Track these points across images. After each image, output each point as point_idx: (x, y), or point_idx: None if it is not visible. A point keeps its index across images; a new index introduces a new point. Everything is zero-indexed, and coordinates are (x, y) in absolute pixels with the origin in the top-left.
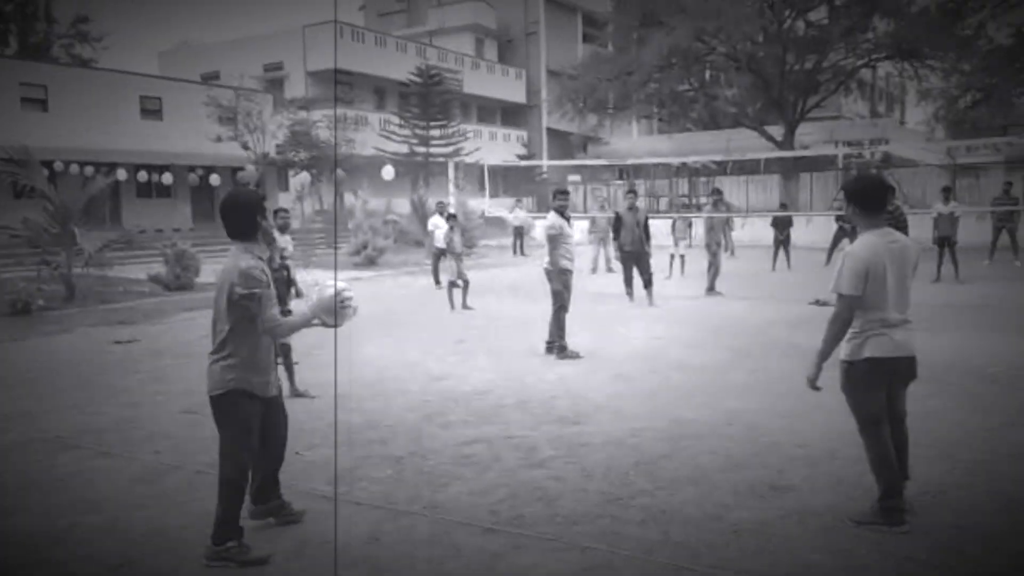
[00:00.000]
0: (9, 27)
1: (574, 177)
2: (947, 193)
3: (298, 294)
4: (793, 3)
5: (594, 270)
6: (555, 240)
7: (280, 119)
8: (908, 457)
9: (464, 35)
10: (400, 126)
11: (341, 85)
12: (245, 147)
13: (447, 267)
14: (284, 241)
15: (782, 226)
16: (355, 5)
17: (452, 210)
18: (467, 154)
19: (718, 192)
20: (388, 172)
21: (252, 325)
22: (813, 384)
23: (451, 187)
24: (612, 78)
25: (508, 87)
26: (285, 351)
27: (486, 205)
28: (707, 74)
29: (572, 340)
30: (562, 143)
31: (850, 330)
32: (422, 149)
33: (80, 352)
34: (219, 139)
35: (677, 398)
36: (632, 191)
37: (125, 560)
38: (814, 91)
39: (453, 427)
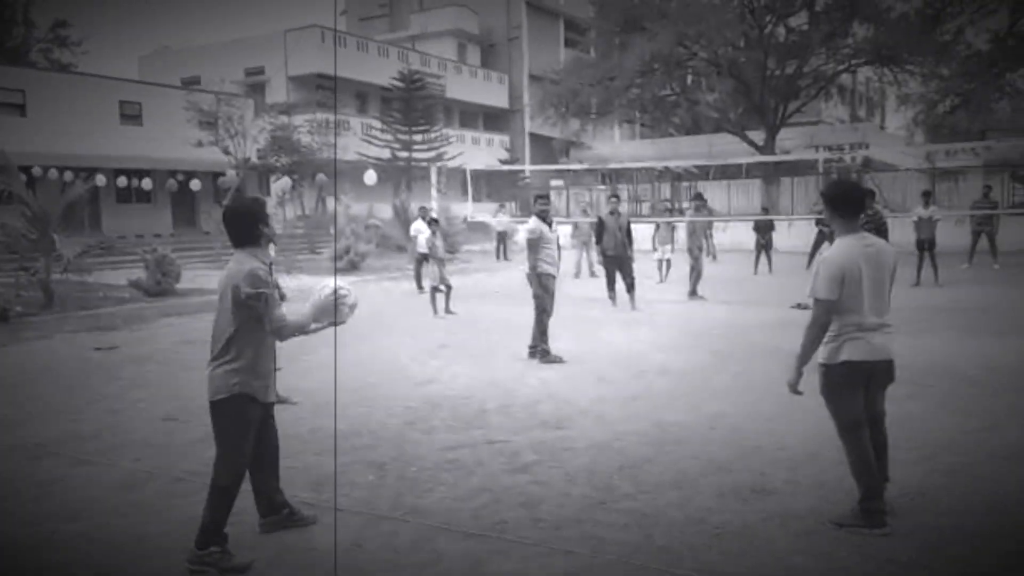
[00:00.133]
0: None
1: (557, 182)
2: (927, 197)
3: (282, 298)
4: (774, 9)
5: (577, 274)
6: (535, 244)
7: (261, 124)
8: (888, 459)
9: (446, 40)
10: (382, 131)
11: (324, 90)
12: (226, 152)
13: (430, 272)
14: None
15: (764, 230)
16: (336, 10)
17: (434, 215)
18: (450, 159)
19: (700, 197)
20: (370, 177)
21: (258, 327)
22: (794, 389)
23: (433, 192)
24: (594, 83)
25: (490, 92)
26: None
27: (469, 210)
28: (689, 79)
29: (555, 344)
30: (545, 148)
31: (828, 333)
32: (404, 154)
33: (60, 359)
34: (200, 144)
35: (660, 402)
36: (615, 196)
37: (106, 567)
38: (795, 96)
39: (436, 432)
